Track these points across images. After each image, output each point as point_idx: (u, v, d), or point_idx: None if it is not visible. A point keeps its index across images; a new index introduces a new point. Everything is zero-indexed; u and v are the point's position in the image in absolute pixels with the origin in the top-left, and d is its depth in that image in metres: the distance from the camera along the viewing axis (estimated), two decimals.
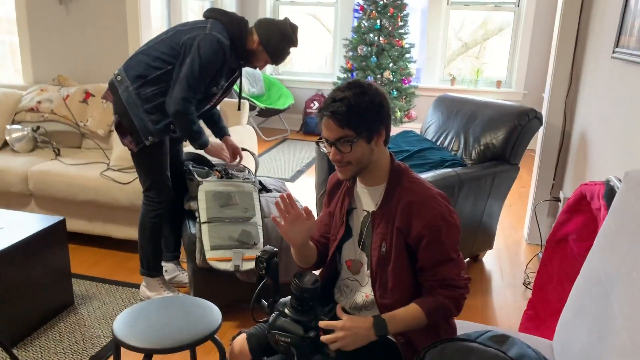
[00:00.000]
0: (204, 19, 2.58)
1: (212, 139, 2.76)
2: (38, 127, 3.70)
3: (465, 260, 3.36)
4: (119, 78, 2.55)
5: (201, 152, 2.75)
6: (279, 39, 2.53)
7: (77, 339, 2.49)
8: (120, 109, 2.54)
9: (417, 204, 1.48)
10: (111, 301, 2.80)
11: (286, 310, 1.48)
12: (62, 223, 2.64)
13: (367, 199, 1.59)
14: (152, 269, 2.74)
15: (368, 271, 1.58)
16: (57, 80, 4.01)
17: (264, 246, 2.48)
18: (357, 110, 1.45)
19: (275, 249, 1.54)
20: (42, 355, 2.36)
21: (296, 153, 5.79)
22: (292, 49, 2.60)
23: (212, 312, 1.74)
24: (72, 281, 2.76)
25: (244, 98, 6.02)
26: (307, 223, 1.56)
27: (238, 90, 2.80)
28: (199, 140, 2.59)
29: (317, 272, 1.72)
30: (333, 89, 1.52)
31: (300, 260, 1.67)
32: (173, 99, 2.45)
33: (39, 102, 3.76)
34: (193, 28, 2.50)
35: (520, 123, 3.10)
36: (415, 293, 1.53)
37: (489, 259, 3.41)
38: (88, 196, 3.21)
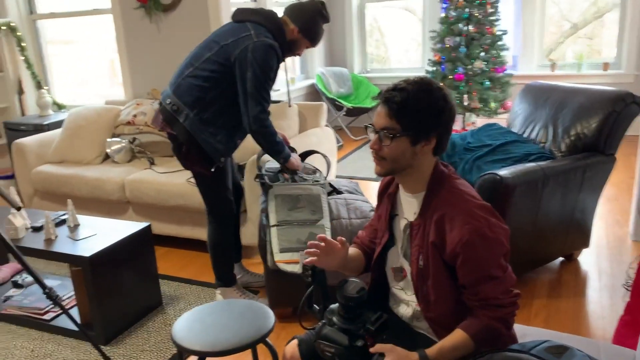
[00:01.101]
0: (238, 24, 2.49)
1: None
2: (134, 139, 3.98)
3: (559, 260, 3.12)
4: (175, 107, 2.48)
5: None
6: (315, 21, 2.47)
7: (162, 337, 2.64)
8: (185, 137, 2.49)
9: (450, 217, 1.37)
10: (197, 302, 2.94)
11: (334, 319, 1.46)
12: (147, 229, 2.82)
13: (407, 207, 1.52)
14: (228, 280, 2.81)
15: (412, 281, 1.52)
16: (151, 94, 4.29)
17: None
18: (413, 105, 1.37)
19: None
20: (130, 353, 2.53)
21: None
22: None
23: (266, 316, 1.76)
24: (160, 283, 2.94)
25: (332, 99, 6.06)
26: (341, 252, 1.54)
27: (287, 87, 2.77)
28: (282, 153, 2.57)
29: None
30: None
31: (345, 272, 1.64)
32: (252, 117, 2.42)
33: (135, 116, 4.04)
34: (239, 39, 2.41)
35: (616, 109, 2.82)
36: (462, 306, 1.43)
37: (585, 258, 3.14)
38: (176, 202, 3.40)
